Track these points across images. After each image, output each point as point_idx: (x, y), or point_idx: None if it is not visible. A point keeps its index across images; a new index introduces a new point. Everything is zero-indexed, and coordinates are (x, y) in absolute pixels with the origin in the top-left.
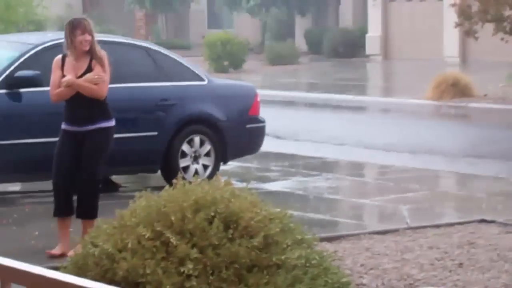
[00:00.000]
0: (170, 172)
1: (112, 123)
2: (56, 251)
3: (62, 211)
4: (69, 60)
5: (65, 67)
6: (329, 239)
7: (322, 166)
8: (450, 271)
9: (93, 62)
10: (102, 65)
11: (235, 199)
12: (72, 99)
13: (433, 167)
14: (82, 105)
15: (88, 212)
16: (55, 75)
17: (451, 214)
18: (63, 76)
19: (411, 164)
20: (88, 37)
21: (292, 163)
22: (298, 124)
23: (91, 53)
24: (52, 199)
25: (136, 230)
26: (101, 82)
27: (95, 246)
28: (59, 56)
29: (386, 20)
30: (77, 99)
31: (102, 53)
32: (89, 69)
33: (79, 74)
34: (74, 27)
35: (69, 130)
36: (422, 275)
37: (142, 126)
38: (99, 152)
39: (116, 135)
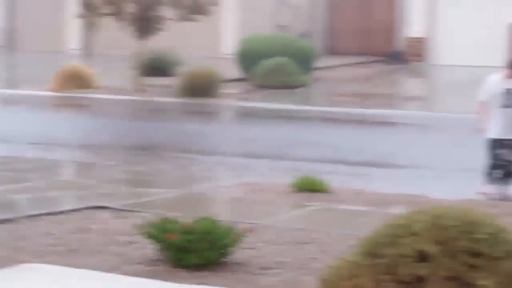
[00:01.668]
0: None
1: None
2: None
3: None
4: None
5: None
6: None
7: None
8: (61, 256)
9: None
10: None
11: None
12: None
13: (52, 157)
14: None
15: None
16: None
17: (68, 202)
18: None
19: (31, 154)
20: None
21: None
22: None
23: None
24: None
25: None
26: None
27: None
28: None
29: (13, 12)
30: None
31: None
32: None
33: None
34: None
35: None
36: (37, 260)
37: None
38: None
39: None
